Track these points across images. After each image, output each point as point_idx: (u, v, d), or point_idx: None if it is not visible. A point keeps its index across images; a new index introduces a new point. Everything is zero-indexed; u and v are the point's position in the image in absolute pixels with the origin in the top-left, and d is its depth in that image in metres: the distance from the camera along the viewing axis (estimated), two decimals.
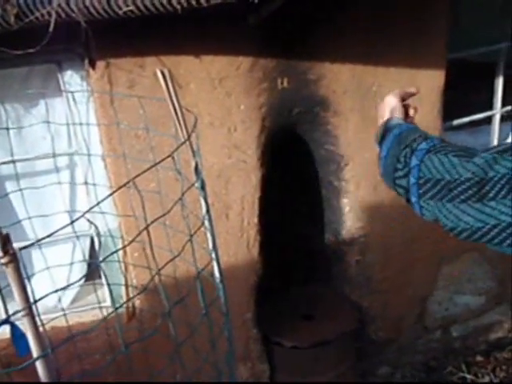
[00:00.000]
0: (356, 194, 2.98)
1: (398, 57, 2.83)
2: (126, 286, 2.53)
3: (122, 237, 2.50)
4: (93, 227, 2.52)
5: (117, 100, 2.35)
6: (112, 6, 1.78)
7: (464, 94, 4.34)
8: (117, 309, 1.64)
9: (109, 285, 2.56)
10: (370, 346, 3.39)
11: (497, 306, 3.73)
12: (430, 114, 3.01)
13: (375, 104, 2.83)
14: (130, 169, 2.36)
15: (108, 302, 2.67)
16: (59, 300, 2.65)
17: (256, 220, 2.77)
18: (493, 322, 3.75)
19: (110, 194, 1.12)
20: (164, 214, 1.13)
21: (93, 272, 2.79)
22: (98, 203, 1.05)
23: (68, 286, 1.28)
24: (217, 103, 2.54)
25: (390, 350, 3.47)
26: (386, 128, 1.27)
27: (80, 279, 1.35)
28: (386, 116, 1.32)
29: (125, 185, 1.07)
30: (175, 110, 1.26)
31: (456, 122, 3.28)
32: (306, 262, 3.43)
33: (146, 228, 1.05)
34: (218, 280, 1.37)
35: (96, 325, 1.34)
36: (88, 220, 1.10)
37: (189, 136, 1.26)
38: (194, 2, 1.78)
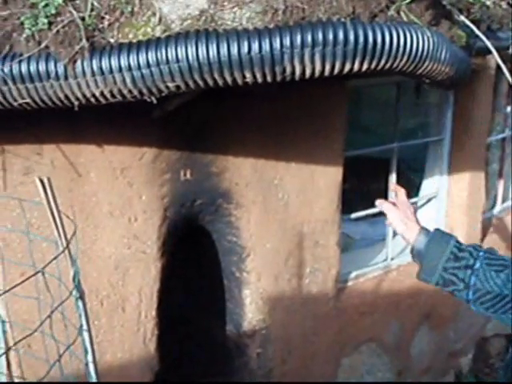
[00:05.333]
0: (257, 285, 2.98)
1: (299, 152, 2.95)
2: None
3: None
4: None
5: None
6: (7, 99, 1.73)
7: (363, 186, 4.58)
8: None
9: None
10: None
11: None
12: (329, 208, 3.12)
13: (277, 196, 2.93)
14: (13, 274, 2.13)
15: None
16: None
17: (154, 313, 2.68)
18: None
19: None
20: (41, 324, 1.07)
21: None
22: None
23: None
24: (118, 193, 2.50)
25: None
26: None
27: None
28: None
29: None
30: (54, 218, 1.22)
31: (354, 215, 3.42)
32: (207, 355, 3.33)
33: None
34: None
35: None
36: None
37: (67, 245, 1.22)
38: (92, 100, 1.78)
